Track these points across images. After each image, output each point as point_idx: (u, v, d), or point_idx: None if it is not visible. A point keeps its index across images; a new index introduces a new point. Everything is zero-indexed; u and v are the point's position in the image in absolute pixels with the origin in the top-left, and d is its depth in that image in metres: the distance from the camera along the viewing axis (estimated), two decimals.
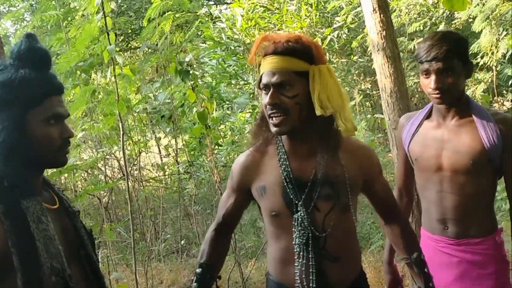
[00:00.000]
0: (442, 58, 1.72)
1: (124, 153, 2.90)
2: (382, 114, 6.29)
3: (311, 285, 1.50)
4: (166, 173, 6.43)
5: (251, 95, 6.64)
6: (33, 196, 1.20)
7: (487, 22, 4.78)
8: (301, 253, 1.50)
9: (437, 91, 1.76)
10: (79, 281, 1.27)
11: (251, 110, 6.46)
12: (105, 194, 5.98)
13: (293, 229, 1.50)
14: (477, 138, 1.77)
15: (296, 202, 1.51)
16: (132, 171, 6.27)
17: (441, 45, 1.73)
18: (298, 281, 1.51)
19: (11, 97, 1.18)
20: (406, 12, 6.57)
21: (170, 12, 4.28)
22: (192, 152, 5.47)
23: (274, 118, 1.47)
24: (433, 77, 1.76)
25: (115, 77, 2.69)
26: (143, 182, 5.40)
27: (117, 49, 3.43)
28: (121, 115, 2.67)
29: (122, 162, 6.56)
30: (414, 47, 5.69)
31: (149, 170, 7.26)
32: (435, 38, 1.76)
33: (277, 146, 1.58)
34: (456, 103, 1.82)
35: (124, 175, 6.43)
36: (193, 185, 4.91)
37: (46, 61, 1.28)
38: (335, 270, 1.52)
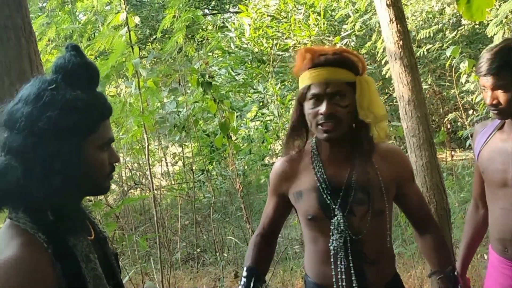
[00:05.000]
0: (494, 73, 1.61)
1: (149, 164, 2.95)
2: (392, 121, 6.33)
3: (350, 286, 1.55)
4: (178, 181, 6.48)
5: (261, 103, 6.70)
6: (79, 231, 1.11)
7: (501, 26, 4.84)
8: (338, 255, 1.56)
9: (493, 107, 1.66)
10: None
11: (261, 119, 6.51)
12: (115, 203, 6.04)
13: (330, 233, 1.56)
14: None
15: (333, 206, 1.56)
16: (142, 180, 6.34)
17: (494, 60, 1.62)
18: (335, 282, 1.56)
19: (72, 123, 1.04)
20: (412, 19, 6.64)
21: (183, 24, 4.36)
22: (205, 161, 5.54)
23: (324, 125, 1.51)
24: (488, 93, 1.66)
25: (139, 90, 2.74)
26: (161, 191, 5.45)
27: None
28: (146, 127, 2.72)
29: (133, 171, 6.64)
30: (423, 53, 5.75)
31: (160, 179, 7.32)
32: (491, 52, 1.65)
33: (312, 154, 1.63)
34: None
35: (136, 184, 6.53)
36: (211, 194, 4.97)
37: (97, 78, 1.16)
38: (373, 272, 1.58)
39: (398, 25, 2.97)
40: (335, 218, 1.55)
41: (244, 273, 1.66)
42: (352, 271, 1.55)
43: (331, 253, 1.56)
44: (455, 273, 1.64)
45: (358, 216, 1.56)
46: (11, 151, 1.04)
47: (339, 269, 1.56)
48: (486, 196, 1.86)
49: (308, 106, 1.54)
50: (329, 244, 1.56)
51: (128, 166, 6.28)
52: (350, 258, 1.55)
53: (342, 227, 1.54)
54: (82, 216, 1.17)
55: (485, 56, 1.66)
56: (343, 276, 1.56)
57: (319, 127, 1.52)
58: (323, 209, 1.57)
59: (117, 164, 1.23)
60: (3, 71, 1.90)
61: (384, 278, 1.63)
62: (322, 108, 1.49)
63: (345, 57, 1.54)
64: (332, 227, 1.55)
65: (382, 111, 1.54)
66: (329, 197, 1.56)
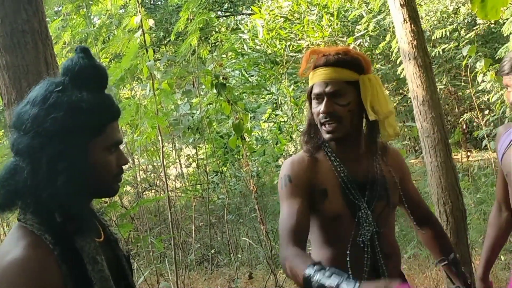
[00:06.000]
0: None
1: (163, 165, 2.97)
2: (407, 121, 6.27)
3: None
4: (192, 183, 6.51)
5: (274, 105, 6.70)
6: (87, 233, 1.11)
7: None
8: (366, 250, 1.55)
9: None
10: None
11: (274, 120, 6.52)
12: (130, 204, 6.09)
13: (359, 227, 1.55)
14: None
15: (359, 203, 1.56)
16: (157, 182, 6.38)
17: None
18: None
19: (77, 124, 1.05)
20: (427, 19, 6.59)
21: (196, 26, 4.38)
22: (219, 162, 5.56)
23: (327, 125, 1.54)
24: (510, 89, 1.65)
25: (153, 92, 2.77)
26: (175, 192, 5.49)
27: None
28: (160, 129, 2.75)
29: (148, 173, 6.69)
30: (438, 53, 5.70)
31: (174, 180, 7.36)
32: None
33: (326, 152, 1.61)
34: None
35: (150, 186, 6.57)
36: (225, 195, 5.00)
37: (105, 80, 1.15)
38: (388, 267, 1.58)
39: (412, 25, 2.95)
40: (361, 211, 1.55)
41: (314, 267, 1.28)
42: (366, 268, 1.54)
43: (361, 245, 1.54)
44: (458, 258, 1.74)
45: (376, 211, 1.58)
46: (19, 152, 1.06)
47: (365, 265, 1.54)
48: (510, 199, 1.84)
49: (313, 105, 1.59)
50: (358, 238, 1.54)
51: (142, 168, 6.33)
52: (377, 250, 1.56)
53: (370, 219, 1.55)
54: (89, 217, 1.16)
55: (508, 55, 1.65)
56: (365, 275, 1.54)
57: (323, 127, 1.56)
58: (349, 207, 1.56)
59: (127, 166, 1.23)
60: (21, 74, 1.93)
61: (396, 272, 1.64)
62: (321, 107, 1.54)
63: (346, 57, 1.55)
64: (360, 220, 1.55)
65: (386, 107, 1.55)
66: (356, 195, 1.56)
